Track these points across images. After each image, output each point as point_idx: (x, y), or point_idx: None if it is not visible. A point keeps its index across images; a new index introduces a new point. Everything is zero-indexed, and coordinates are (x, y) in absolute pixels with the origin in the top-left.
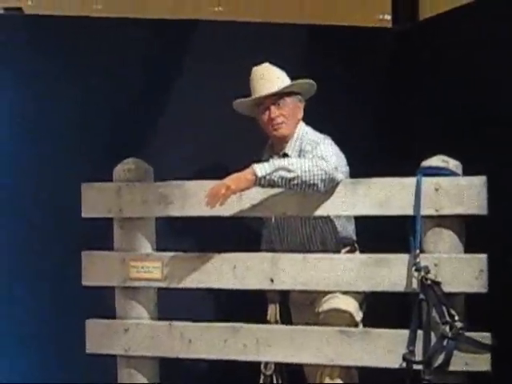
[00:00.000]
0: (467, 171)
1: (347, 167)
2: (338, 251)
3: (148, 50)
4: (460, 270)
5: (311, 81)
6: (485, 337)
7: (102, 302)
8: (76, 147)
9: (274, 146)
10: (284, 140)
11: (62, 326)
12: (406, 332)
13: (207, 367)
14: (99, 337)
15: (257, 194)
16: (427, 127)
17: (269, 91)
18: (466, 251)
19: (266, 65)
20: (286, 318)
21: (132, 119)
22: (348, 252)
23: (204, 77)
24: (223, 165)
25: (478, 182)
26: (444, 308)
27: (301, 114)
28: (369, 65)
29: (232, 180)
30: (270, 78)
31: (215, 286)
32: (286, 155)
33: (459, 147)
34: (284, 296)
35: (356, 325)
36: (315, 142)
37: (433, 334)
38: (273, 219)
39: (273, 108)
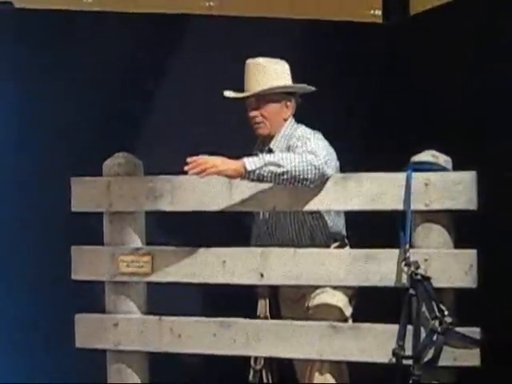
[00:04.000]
0: (457, 166)
1: (337, 162)
2: (327, 246)
3: (139, 45)
4: (450, 265)
5: (301, 85)
6: (474, 332)
7: (92, 297)
8: (66, 141)
9: (263, 142)
10: (268, 137)
11: (51, 321)
12: (395, 327)
13: (197, 362)
14: (89, 331)
15: (247, 189)
16: (418, 122)
17: (250, 91)
18: (456, 246)
19: (259, 60)
20: (275, 313)
21: (122, 114)
22: (338, 247)
23: (195, 71)
24: None
25: (468, 177)
26: (434, 303)
27: (288, 113)
28: (360, 60)
29: (222, 162)
30: (256, 76)
31: (205, 280)
32: (270, 151)
33: (450, 142)
34: (274, 291)
35: (345, 320)
36: (305, 137)
37: (422, 329)
38: (261, 215)
39: (254, 107)
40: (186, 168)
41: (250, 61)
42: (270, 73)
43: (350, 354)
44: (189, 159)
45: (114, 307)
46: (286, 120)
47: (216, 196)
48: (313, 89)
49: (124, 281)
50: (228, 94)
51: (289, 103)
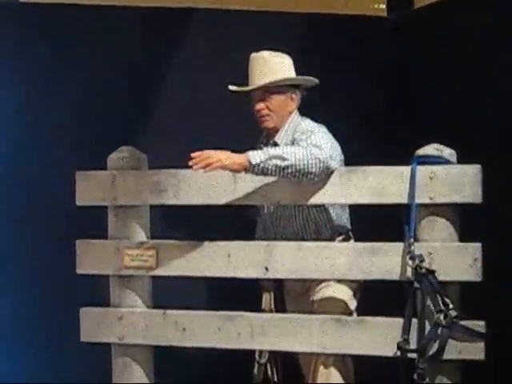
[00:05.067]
0: (462, 160)
1: (342, 155)
2: (332, 240)
3: (143, 39)
4: (454, 259)
5: (305, 77)
6: (479, 325)
7: (97, 291)
8: (71, 135)
9: (268, 135)
10: (274, 130)
11: (56, 315)
12: (400, 320)
13: (201, 355)
14: (93, 325)
15: (251, 183)
16: (423, 116)
17: (255, 84)
18: (461, 240)
19: (263, 53)
20: (280, 307)
21: (127, 108)
22: (343, 241)
23: (199, 66)
24: None
25: (473, 171)
26: (438, 296)
27: (293, 106)
28: (364, 54)
29: (226, 156)
30: (262, 69)
31: (209, 274)
32: (275, 144)
33: (455, 136)
34: (278, 284)
35: (350, 313)
36: (309, 131)
37: (427, 323)
38: (265, 208)
39: (260, 100)
40: (190, 163)
41: (254, 54)
42: (275, 66)
43: (355, 348)
44: (193, 154)
45: (118, 301)
46: (291, 113)
47: (220, 190)
48: (317, 81)
49: (129, 275)
50: (234, 88)
51: (294, 96)
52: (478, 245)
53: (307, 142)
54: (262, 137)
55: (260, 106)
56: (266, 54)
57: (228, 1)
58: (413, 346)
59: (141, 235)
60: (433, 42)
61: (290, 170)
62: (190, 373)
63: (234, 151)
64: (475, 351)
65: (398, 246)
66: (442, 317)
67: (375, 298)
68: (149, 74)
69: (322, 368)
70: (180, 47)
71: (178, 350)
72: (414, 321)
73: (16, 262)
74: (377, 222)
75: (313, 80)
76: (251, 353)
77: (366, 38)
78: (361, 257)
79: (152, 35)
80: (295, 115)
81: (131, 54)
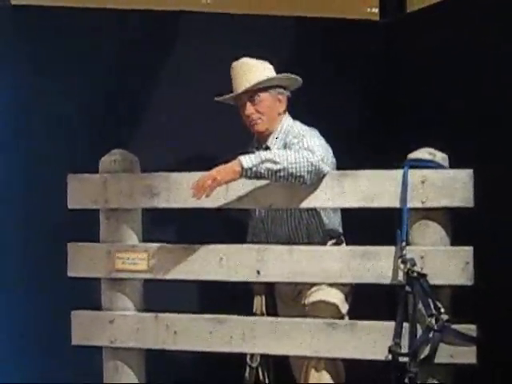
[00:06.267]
0: (454, 164)
1: (334, 159)
2: (324, 244)
3: (135, 42)
4: (446, 263)
5: (288, 74)
6: (470, 329)
7: (88, 294)
8: (63, 138)
9: (259, 139)
10: (265, 134)
11: (47, 318)
12: (391, 324)
13: (193, 358)
14: (85, 328)
15: (243, 186)
16: (415, 120)
17: (241, 89)
18: (453, 244)
19: (244, 60)
20: (272, 310)
21: (119, 111)
22: (334, 244)
23: (190, 69)
24: (210, 157)
25: (465, 175)
26: (430, 300)
27: (282, 108)
28: (356, 57)
29: (218, 171)
30: (245, 74)
31: (201, 277)
32: (267, 148)
33: (447, 140)
34: (270, 288)
35: (342, 317)
36: (301, 135)
37: (419, 327)
38: (257, 212)
39: (248, 104)
40: (194, 197)
41: (235, 62)
42: (259, 70)
43: (346, 351)
44: (191, 188)
45: (110, 304)
46: (280, 115)
47: (212, 193)
48: (301, 81)
49: (120, 278)
50: (220, 98)
51: (280, 97)
52: (470, 248)
53: (299, 145)
54: (254, 141)
55: (249, 110)
56: (248, 59)
57: (221, 4)
58: (404, 349)
59: (132, 238)
60: (425, 45)
61: (282, 174)
62: (181, 376)
63: (225, 153)
64: (467, 355)
65: (390, 250)
66: (433, 320)
67: (367, 301)
68: (141, 77)
69: (313, 371)
70: (172, 50)
71: (169, 353)
72: (406, 325)
73: (6, 264)
74: (368, 226)
75: (298, 79)
76: (243, 356)
77: (358, 42)
78: (352, 261)
79: (144, 38)
80: (286, 118)
81: (123, 56)
